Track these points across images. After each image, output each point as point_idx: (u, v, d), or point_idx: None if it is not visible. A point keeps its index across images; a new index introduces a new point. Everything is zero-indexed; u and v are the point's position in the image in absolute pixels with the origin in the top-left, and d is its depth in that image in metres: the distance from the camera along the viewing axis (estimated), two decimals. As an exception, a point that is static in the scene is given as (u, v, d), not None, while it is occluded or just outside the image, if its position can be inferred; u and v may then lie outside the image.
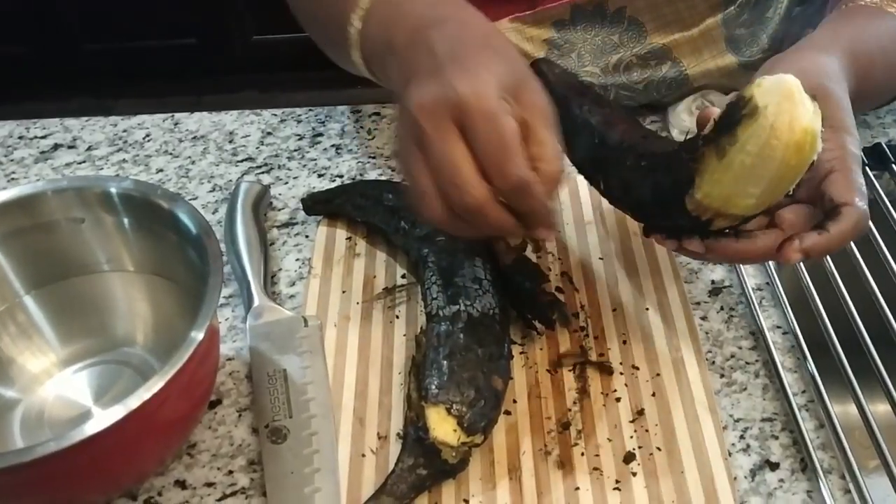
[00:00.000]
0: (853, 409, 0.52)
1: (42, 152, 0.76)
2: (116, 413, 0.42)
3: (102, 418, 0.41)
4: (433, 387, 0.49)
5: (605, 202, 0.66)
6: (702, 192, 0.44)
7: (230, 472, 0.51)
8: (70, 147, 0.76)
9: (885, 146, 0.70)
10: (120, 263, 0.55)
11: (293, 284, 0.62)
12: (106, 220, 0.53)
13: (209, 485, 0.51)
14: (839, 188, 0.47)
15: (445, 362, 0.50)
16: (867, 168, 0.68)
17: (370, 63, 0.56)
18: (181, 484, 0.51)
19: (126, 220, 0.53)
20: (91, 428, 0.41)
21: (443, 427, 0.48)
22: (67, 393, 0.54)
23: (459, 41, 0.47)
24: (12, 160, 0.75)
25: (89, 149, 0.76)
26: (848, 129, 0.49)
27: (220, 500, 0.50)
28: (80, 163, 0.74)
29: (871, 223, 0.62)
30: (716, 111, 0.44)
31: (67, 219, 0.53)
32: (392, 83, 0.51)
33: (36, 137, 0.78)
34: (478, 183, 0.44)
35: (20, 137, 0.78)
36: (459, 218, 0.46)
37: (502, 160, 0.44)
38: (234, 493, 0.50)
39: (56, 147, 0.76)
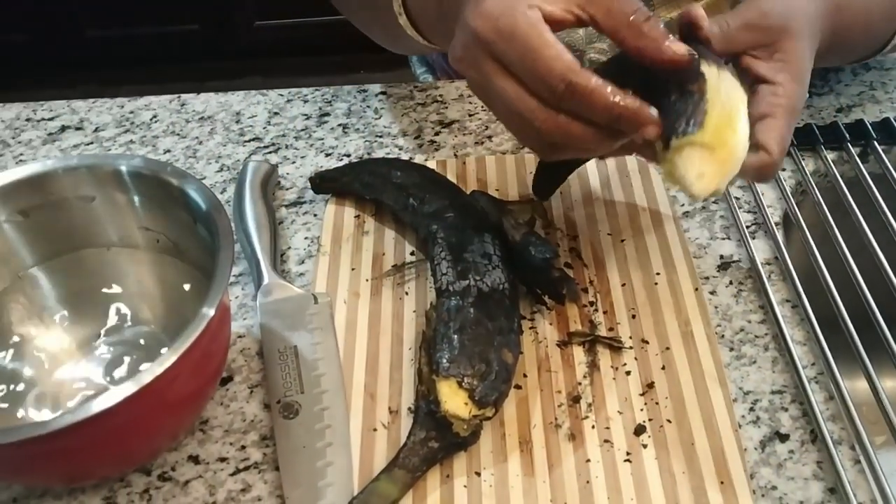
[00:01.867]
0: (863, 384, 0.52)
1: (49, 134, 0.76)
2: (129, 388, 0.42)
3: (115, 393, 0.42)
4: (444, 360, 0.49)
5: (612, 177, 0.66)
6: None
7: (243, 447, 0.52)
8: (77, 129, 0.76)
9: (893, 121, 0.69)
10: (131, 241, 0.55)
11: (302, 262, 0.63)
12: (117, 198, 0.53)
13: (222, 459, 0.51)
14: (764, 131, 0.49)
15: (456, 336, 0.50)
16: (875, 142, 0.68)
17: (419, 24, 0.58)
18: (194, 459, 0.51)
19: (136, 199, 0.53)
20: (104, 402, 0.41)
21: (454, 400, 0.48)
22: (80, 371, 0.54)
23: None
24: (20, 142, 0.75)
25: (96, 130, 0.76)
26: (802, 81, 0.51)
27: (233, 474, 0.51)
28: (87, 144, 0.75)
29: (880, 198, 0.63)
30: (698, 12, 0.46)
31: (78, 197, 0.53)
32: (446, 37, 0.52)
33: (43, 119, 0.78)
34: (535, 106, 0.44)
35: (27, 119, 0.78)
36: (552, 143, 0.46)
37: (540, 73, 0.43)
38: (247, 468, 0.51)
39: (63, 129, 0.77)
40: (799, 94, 0.51)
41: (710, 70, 0.44)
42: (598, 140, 0.46)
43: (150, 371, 0.43)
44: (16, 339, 0.54)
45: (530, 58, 0.43)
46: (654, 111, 0.44)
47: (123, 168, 0.52)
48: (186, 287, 0.55)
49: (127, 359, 0.55)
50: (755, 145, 0.48)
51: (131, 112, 0.78)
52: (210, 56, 2.40)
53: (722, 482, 0.47)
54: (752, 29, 0.51)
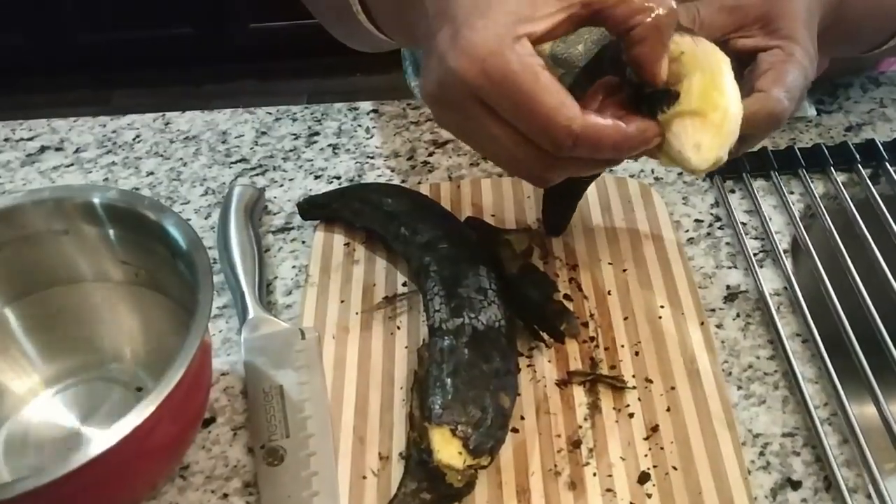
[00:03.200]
0: (872, 409, 0.50)
1: (28, 155, 0.73)
2: (105, 441, 0.39)
3: (90, 447, 0.39)
4: (437, 406, 0.47)
5: (613, 203, 0.63)
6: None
7: (225, 495, 0.49)
8: (58, 149, 0.74)
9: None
10: (105, 275, 0.52)
11: (289, 293, 0.60)
12: (89, 231, 0.50)
13: (203, 509, 0.49)
14: (766, 79, 0.45)
15: (449, 380, 0.48)
16: (887, 164, 0.65)
17: (378, 21, 0.54)
18: (174, 508, 0.49)
19: (112, 231, 0.50)
20: (78, 459, 0.39)
21: (447, 449, 0.45)
22: (53, 413, 0.52)
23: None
24: (-2, 164, 0.73)
25: (77, 150, 0.73)
26: (798, 40, 0.46)
27: (214, 525, 0.48)
28: (67, 166, 0.72)
29: (891, 220, 0.60)
30: None
31: (49, 231, 0.50)
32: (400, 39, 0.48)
33: (22, 139, 0.75)
34: (534, 155, 0.40)
35: (6, 140, 0.75)
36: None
37: (540, 125, 0.38)
38: (229, 518, 0.48)
39: (43, 149, 0.74)
40: (801, 52, 0.46)
41: (682, 39, 0.41)
42: (600, 168, 0.43)
43: (128, 421, 0.40)
44: (-16, 380, 0.52)
45: (527, 108, 0.38)
46: (653, 124, 0.41)
47: (96, 201, 0.49)
48: (165, 322, 0.52)
49: (104, 400, 0.52)
50: (751, 90, 0.44)
51: (114, 132, 0.75)
52: (204, 59, 2.38)
53: (731, 536, 0.45)
54: (731, 11, 0.48)
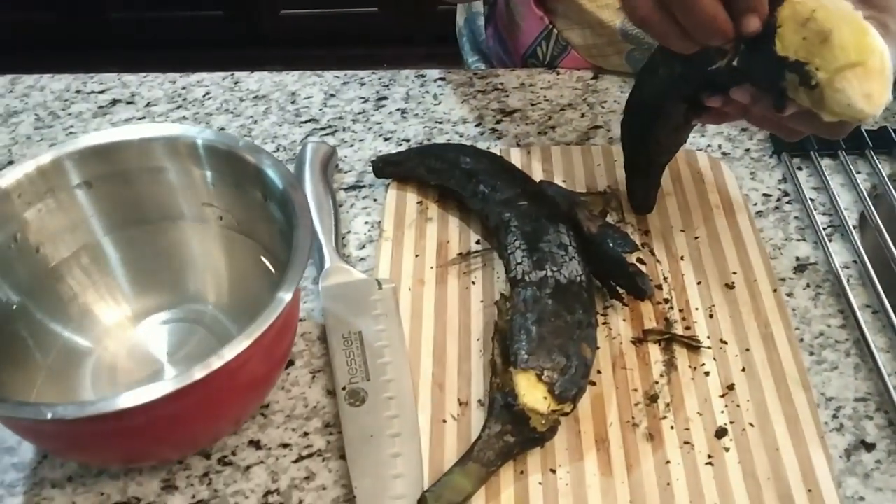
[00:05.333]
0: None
1: (100, 107, 0.74)
2: (199, 372, 0.40)
3: (184, 376, 0.40)
4: (523, 352, 0.48)
5: (683, 174, 0.64)
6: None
7: (305, 433, 0.50)
8: (129, 103, 0.75)
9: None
10: (200, 216, 0.53)
11: (363, 247, 0.61)
12: (187, 171, 0.51)
13: (284, 446, 0.50)
14: None
15: (534, 328, 0.49)
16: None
17: None
18: (255, 444, 0.50)
19: (208, 173, 0.51)
20: (172, 385, 0.40)
21: (533, 394, 0.46)
22: (139, 347, 0.53)
23: None
24: (70, 114, 0.74)
25: (148, 105, 0.74)
26: (893, 11, 0.47)
27: (296, 461, 0.49)
28: (139, 119, 0.73)
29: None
30: None
31: (148, 168, 0.51)
32: None
33: (94, 92, 0.76)
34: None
35: (77, 91, 0.76)
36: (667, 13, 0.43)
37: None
38: (310, 455, 0.49)
39: (114, 102, 0.75)
40: (890, 21, 0.47)
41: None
42: (723, 19, 0.43)
43: (222, 355, 0.41)
44: (78, 308, 0.52)
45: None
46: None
47: (199, 140, 0.50)
48: (251, 269, 0.53)
49: (187, 339, 0.53)
50: None
51: (183, 88, 0.76)
52: (232, 43, 2.39)
53: (810, 490, 0.45)
54: None
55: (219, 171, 0.51)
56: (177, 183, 0.52)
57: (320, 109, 0.73)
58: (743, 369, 0.51)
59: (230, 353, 0.41)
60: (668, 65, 0.52)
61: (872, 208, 0.61)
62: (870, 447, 0.49)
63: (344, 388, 0.51)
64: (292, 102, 0.74)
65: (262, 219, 0.51)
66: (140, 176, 0.51)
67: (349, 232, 0.62)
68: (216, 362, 0.41)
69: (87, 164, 0.49)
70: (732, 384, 0.51)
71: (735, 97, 0.48)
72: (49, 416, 0.38)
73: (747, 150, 0.68)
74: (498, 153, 0.67)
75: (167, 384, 0.40)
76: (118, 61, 2.33)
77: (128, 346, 0.53)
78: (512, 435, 0.47)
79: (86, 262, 0.52)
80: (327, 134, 0.71)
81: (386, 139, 0.70)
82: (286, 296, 0.43)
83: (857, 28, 0.41)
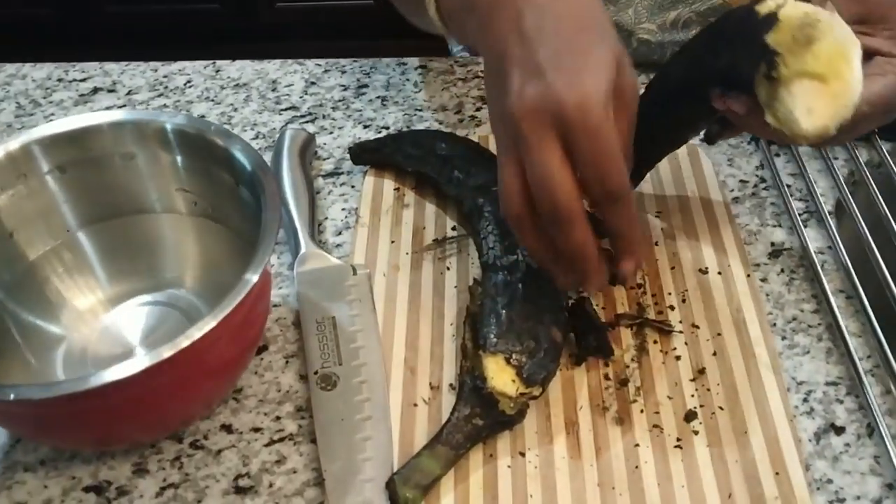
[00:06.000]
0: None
1: (81, 95, 0.74)
2: (168, 350, 0.40)
3: (152, 355, 0.40)
4: (492, 336, 0.48)
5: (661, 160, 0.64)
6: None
7: (277, 417, 0.50)
8: (110, 91, 0.75)
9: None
10: (171, 204, 0.53)
11: (340, 234, 0.61)
12: (157, 156, 0.51)
13: (256, 430, 0.50)
14: (867, 85, 0.44)
15: (504, 311, 0.49)
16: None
17: (448, 21, 0.54)
18: (227, 428, 0.50)
19: (179, 158, 0.51)
20: (139, 364, 0.40)
21: (501, 377, 0.47)
22: (112, 332, 0.53)
23: (553, 16, 0.43)
24: (51, 102, 0.74)
25: (129, 93, 0.75)
26: (889, 21, 0.48)
27: (267, 445, 0.49)
28: (120, 107, 0.73)
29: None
30: None
31: (118, 154, 0.51)
32: (472, 42, 0.49)
33: (75, 80, 0.76)
34: (573, 190, 0.42)
35: (59, 80, 0.76)
36: (541, 230, 0.45)
37: (603, 173, 0.42)
38: (282, 440, 0.49)
39: (96, 90, 0.75)
40: None
41: (822, 10, 0.42)
42: (594, 259, 0.46)
43: (189, 335, 0.41)
44: (52, 293, 0.53)
45: (604, 161, 0.42)
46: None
47: (168, 125, 0.50)
48: (225, 253, 0.53)
49: (162, 323, 0.53)
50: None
51: (165, 76, 0.76)
52: (229, 36, 2.38)
53: (777, 473, 0.46)
54: (858, 1, 0.49)
55: (189, 157, 0.51)
56: (148, 168, 0.52)
57: (301, 97, 0.73)
58: (714, 353, 0.51)
59: (198, 332, 0.41)
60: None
61: (849, 195, 0.61)
62: (839, 430, 0.49)
63: (316, 373, 0.51)
64: (273, 90, 0.74)
65: (233, 203, 0.51)
66: (111, 161, 0.51)
67: (326, 218, 0.62)
68: (183, 342, 0.41)
69: (57, 149, 0.49)
70: (703, 368, 0.51)
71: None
72: (12, 396, 0.39)
73: (726, 136, 0.67)
74: (476, 140, 0.67)
75: (133, 364, 0.40)
76: (113, 56, 2.33)
77: (100, 332, 0.53)
78: (481, 418, 0.47)
79: (60, 248, 0.52)
80: (307, 121, 0.71)
81: (366, 126, 0.70)
82: (253, 277, 0.43)
83: (841, 50, 0.41)
